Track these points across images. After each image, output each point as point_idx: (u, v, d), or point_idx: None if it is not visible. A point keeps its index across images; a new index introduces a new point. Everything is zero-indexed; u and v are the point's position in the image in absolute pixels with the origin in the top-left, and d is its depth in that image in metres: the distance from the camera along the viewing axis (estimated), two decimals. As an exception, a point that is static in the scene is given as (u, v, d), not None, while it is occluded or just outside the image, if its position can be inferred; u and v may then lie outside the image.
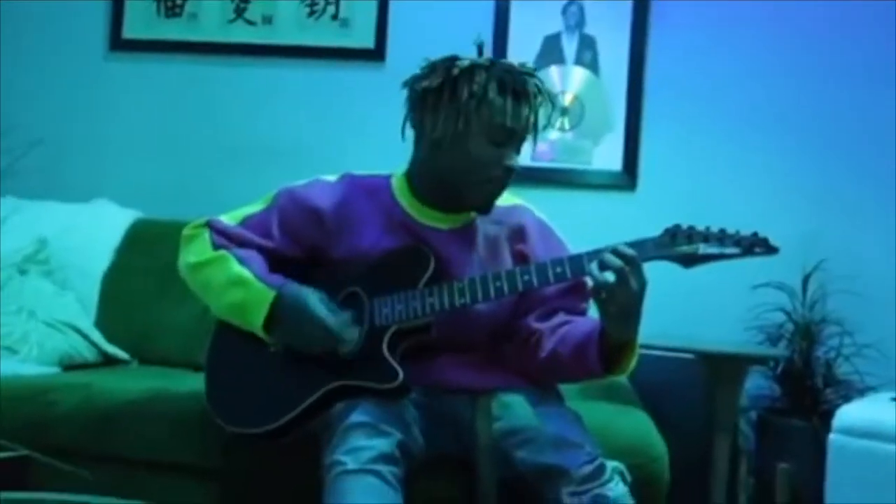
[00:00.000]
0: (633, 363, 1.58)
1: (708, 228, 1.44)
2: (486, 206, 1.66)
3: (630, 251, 1.40)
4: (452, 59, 1.61)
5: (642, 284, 1.42)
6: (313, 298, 1.57)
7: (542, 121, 1.64)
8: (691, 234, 1.43)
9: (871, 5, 2.85)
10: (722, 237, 1.42)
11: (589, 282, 1.48)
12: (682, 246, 1.43)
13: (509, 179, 1.63)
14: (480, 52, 1.65)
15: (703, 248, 1.42)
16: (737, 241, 1.42)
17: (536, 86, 1.60)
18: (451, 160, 1.61)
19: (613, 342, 1.52)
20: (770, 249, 1.42)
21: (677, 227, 1.44)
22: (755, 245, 1.41)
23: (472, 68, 1.58)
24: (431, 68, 1.63)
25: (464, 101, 1.56)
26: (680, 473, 1.76)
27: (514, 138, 1.60)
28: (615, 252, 1.41)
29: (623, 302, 1.41)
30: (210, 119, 3.11)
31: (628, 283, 1.39)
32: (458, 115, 1.57)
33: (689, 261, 1.44)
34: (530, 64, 1.66)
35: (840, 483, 1.93)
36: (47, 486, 1.39)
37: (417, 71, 1.66)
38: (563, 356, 1.60)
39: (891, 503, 1.84)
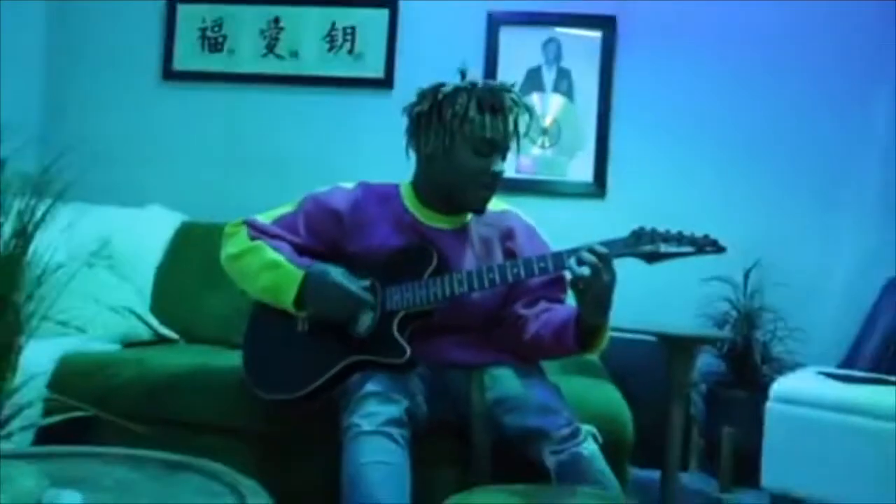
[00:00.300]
0: (604, 344, 1.58)
1: (667, 231, 1.43)
2: (480, 208, 1.65)
3: (603, 249, 1.40)
4: (439, 86, 1.61)
5: (612, 277, 1.42)
6: (336, 272, 1.56)
7: (521, 127, 1.61)
8: (653, 235, 1.42)
9: (802, 45, 2.84)
10: (679, 238, 1.42)
11: (568, 275, 1.47)
12: (645, 245, 1.42)
13: (497, 183, 1.62)
14: (464, 77, 1.62)
15: (663, 247, 1.42)
16: (691, 241, 1.41)
17: (512, 100, 1.59)
18: (445, 171, 1.61)
19: (588, 326, 1.51)
20: (719, 249, 1.41)
21: (642, 229, 1.44)
22: (706, 245, 1.41)
23: (455, 92, 1.57)
24: (422, 95, 1.63)
25: (448, 120, 1.56)
26: (642, 436, 1.75)
27: (496, 147, 1.59)
28: (590, 250, 1.40)
29: (597, 292, 1.41)
30: (245, 137, 3.09)
31: (601, 276, 1.38)
32: (445, 132, 1.57)
33: (652, 258, 1.43)
34: (509, 81, 1.65)
35: (775, 442, 1.92)
36: (109, 444, 1.37)
37: (413, 98, 1.65)
38: (545, 338, 1.59)
39: (815, 456, 1.83)
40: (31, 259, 0.93)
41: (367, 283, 1.58)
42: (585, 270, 1.38)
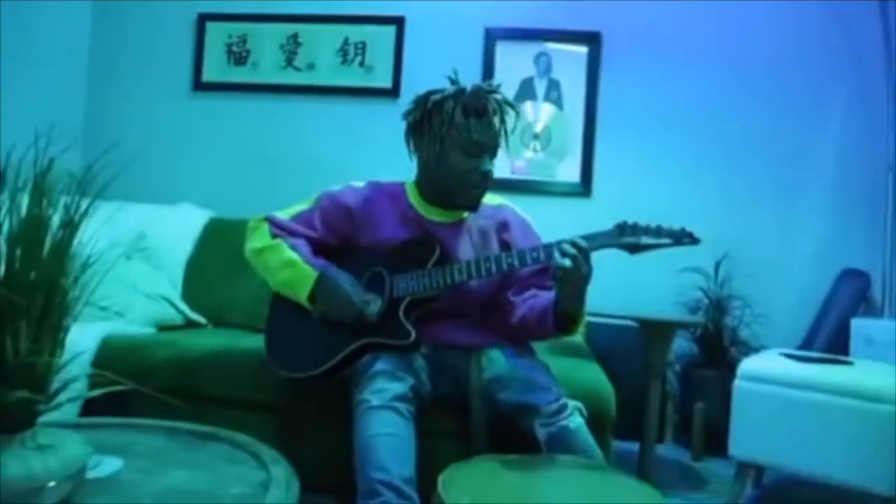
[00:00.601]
0: (580, 328, 1.58)
1: (647, 224, 1.42)
2: (473, 206, 1.63)
3: (583, 243, 1.39)
4: (429, 95, 1.58)
5: (589, 270, 1.41)
6: (344, 280, 1.56)
7: (508, 125, 1.59)
8: (635, 229, 1.42)
9: (765, 59, 2.84)
10: (658, 231, 1.41)
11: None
12: (628, 237, 1.41)
13: (487, 182, 1.60)
14: (453, 82, 1.59)
15: (644, 239, 1.41)
16: (669, 234, 1.41)
17: (496, 101, 1.56)
18: (439, 173, 1.59)
19: (565, 312, 1.50)
20: (694, 240, 1.41)
21: (625, 222, 1.43)
22: (683, 237, 1.40)
23: (442, 100, 1.55)
24: (415, 104, 1.61)
25: (437, 127, 1.55)
26: (622, 411, 1.75)
27: (484, 148, 1.56)
28: (572, 243, 1.39)
29: (574, 282, 1.41)
30: (267, 142, 3.10)
31: (580, 267, 1.38)
32: (435, 138, 1.55)
33: (634, 249, 1.43)
34: (494, 83, 1.61)
35: (741, 416, 1.92)
36: (145, 418, 1.37)
37: (408, 107, 1.64)
38: (529, 321, 1.59)
39: (776, 427, 1.83)
40: (76, 248, 0.92)
41: (372, 295, 1.56)
42: (567, 262, 1.37)
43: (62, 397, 0.92)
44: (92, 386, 1.83)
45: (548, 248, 1.47)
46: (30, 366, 0.85)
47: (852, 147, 2.81)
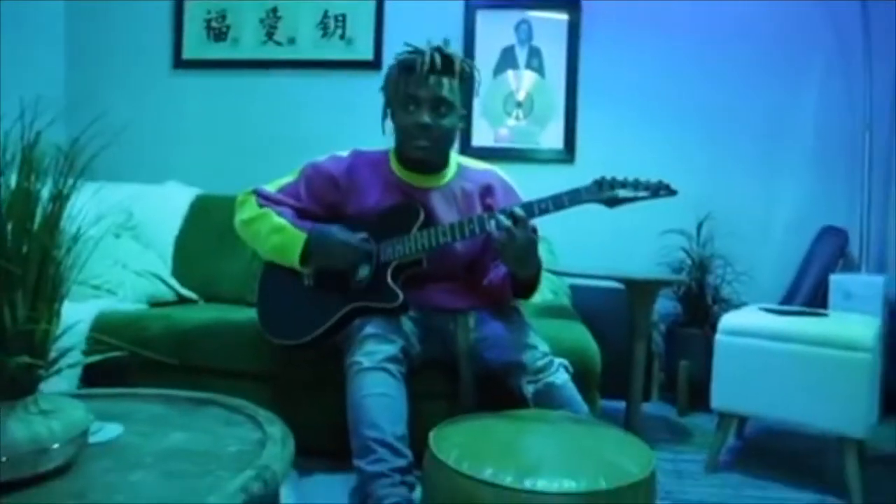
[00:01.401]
0: (537, 292, 1.63)
1: (625, 178, 1.45)
2: (418, 157, 1.61)
3: (519, 212, 1.42)
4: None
5: (528, 238, 1.43)
6: (335, 229, 1.60)
7: (449, 80, 1.57)
8: (613, 183, 1.44)
9: (746, 24, 2.85)
10: (636, 184, 1.44)
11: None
12: (606, 191, 1.44)
13: (427, 134, 1.58)
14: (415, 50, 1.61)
15: (622, 193, 1.43)
16: (646, 186, 1.44)
17: (430, 56, 1.55)
18: (395, 132, 1.65)
19: (519, 279, 1.55)
20: (670, 192, 1.43)
21: (603, 178, 1.46)
22: (660, 189, 1.43)
23: (390, 68, 1.64)
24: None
25: (388, 91, 1.63)
26: (609, 370, 1.80)
27: (419, 101, 1.56)
28: (509, 213, 1.42)
29: (513, 251, 1.43)
30: (250, 117, 3.09)
31: (514, 237, 1.40)
32: (387, 102, 1.65)
33: (612, 202, 1.45)
34: (439, 42, 1.61)
35: (723, 369, 1.97)
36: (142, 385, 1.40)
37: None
38: (494, 284, 1.65)
39: (756, 379, 1.89)
40: (66, 221, 0.94)
41: (364, 234, 1.61)
42: (501, 234, 1.41)
43: (62, 363, 0.95)
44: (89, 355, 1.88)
45: (528, 207, 1.47)
46: (28, 333, 0.88)
47: (831, 108, 2.83)
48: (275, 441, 1.05)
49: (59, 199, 0.92)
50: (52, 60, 3.11)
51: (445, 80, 1.57)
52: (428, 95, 1.57)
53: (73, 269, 0.94)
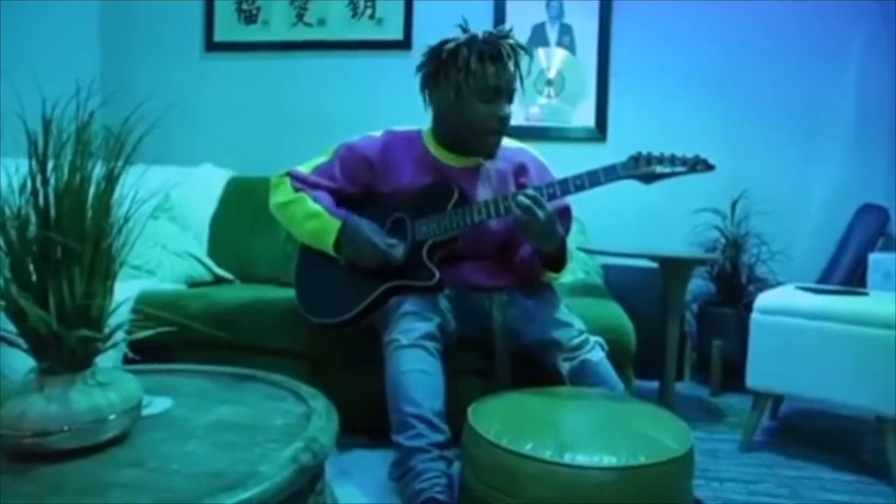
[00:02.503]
0: (567, 267, 1.65)
1: (661, 153, 1.44)
2: (489, 153, 1.65)
3: (533, 193, 1.45)
4: (442, 45, 1.59)
5: (547, 215, 1.44)
6: (366, 227, 1.60)
7: (523, 69, 1.60)
8: (650, 158, 1.44)
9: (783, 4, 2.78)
10: (672, 159, 1.43)
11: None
12: (643, 167, 1.43)
13: (505, 126, 1.61)
14: (465, 31, 1.59)
15: (658, 168, 1.42)
16: (683, 161, 1.42)
17: (509, 45, 1.56)
18: (457, 121, 1.60)
19: (544, 254, 1.56)
20: (708, 167, 1.42)
21: (639, 153, 1.45)
22: (697, 164, 1.41)
23: (457, 49, 1.55)
24: (429, 55, 1.62)
25: (454, 76, 1.55)
26: (641, 350, 1.80)
27: (500, 93, 1.57)
28: (525, 195, 1.44)
29: (535, 229, 1.45)
30: (281, 99, 3.10)
31: (536, 216, 1.42)
32: (452, 88, 1.56)
33: (649, 178, 1.44)
34: (506, 28, 1.61)
35: (758, 348, 1.95)
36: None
37: (421, 59, 1.64)
38: (526, 260, 1.65)
39: (791, 357, 1.87)
40: (116, 200, 0.97)
41: (393, 241, 1.60)
42: (521, 214, 1.43)
43: (118, 336, 0.99)
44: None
45: (563, 183, 1.49)
46: (85, 308, 0.91)
47: (872, 82, 2.75)
48: (319, 414, 1.08)
49: (111, 179, 0.95)
50: (88, 46, 3.16)
51: (512, 68, 1.57)
52: (508, 87, 1.57)
53: (125, 247, 0.97)
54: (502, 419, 1.23)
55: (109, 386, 0.95)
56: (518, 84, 1.60)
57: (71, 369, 0.92)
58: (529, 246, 1.62)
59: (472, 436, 1.20)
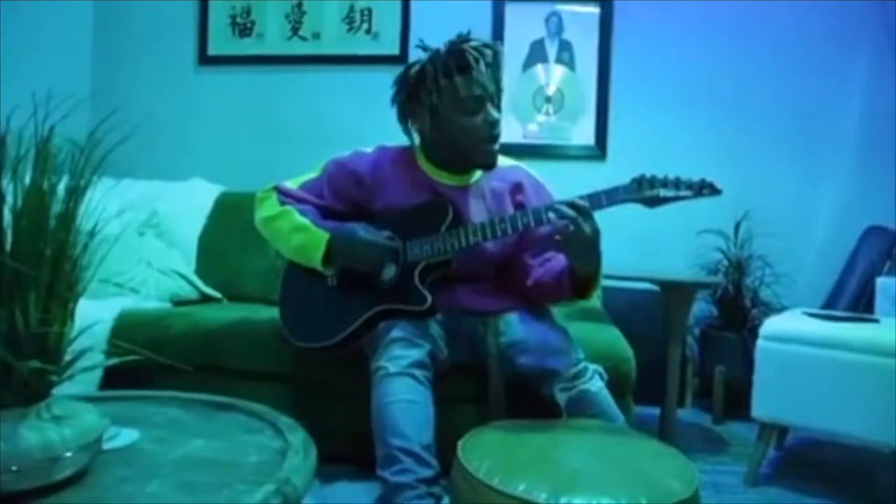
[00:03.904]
0: (596, 291, 1.54)
1: (666, 176, 1.38)
2: (490, 162, 1.58)
3: (583, 203, 1.35)
4: (407, 70, 1.54)
5: (594, 229, 1.36)
6: (359, 228, 1.54)
7: (501, 63, 1.52)
8: (653, 181, 1.37)
9: (789, 10, 2.74)
10: (677, 182, 1.37)
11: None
12: (646, 190, 1.37)
13: (497, 132, 1.54)
14: (424, 49, 1.54)
15: (663, 192, 1.36)
16: (689, 185, 1.36)
17: (474, 49, 1.49)
18: (446, 140, 1.55)
19: (580, 274, 1.47)
20: (715, 191, 1.36)
21: (642, 176, 1.39)
22: (703, 188, 1.36)
23: (422, 70, 1.50)
24: (398, 85, 1.58)
25: (426, 98, 1.50)
26: (643, 374, 1.73)
27: (480, 100, 1.50)
28: (570, 204, 1.35)
29: (579, 244, 1.36)
30: (274, 114, 3.05)
31: (581, 228, 1.33)
32: (429, 109, 1.51)
33: (653, 202, 1.38)
34: (464, 32, 1.54)
35: (765, 376, 1.89)
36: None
37: (392, 90, 1.60)
38: (545, 284, 1.56)
39: (799, 387, 1.80)
40: (82, 218, 0.90)
41: (388, 233, 1.55)
42: (566, 224, 1.33)
43: (76, 368, 0.92)
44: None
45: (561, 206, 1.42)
46: (41, 336, 0.85)
47: (878, 98, 2.70)
48: (296, 451, 1.01)
49: (75, 194, 0.88)
50: (79, 57, 3.12)
51: (485, 70, 1.50)
52: (486, 92, 1.50)
53: (90, 267, 0.90)
54: (495, 455, 1.15)
55: (66, 420, 0.87)
56: (497, 85, 1.52)
57: (23, 403, 0.84)
58: (554, 266, 1.54)
59: (462, 473, 1.12)
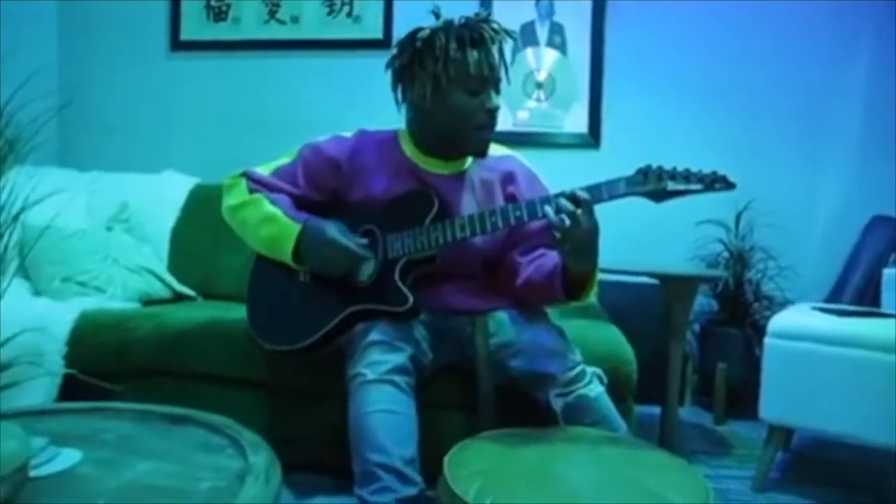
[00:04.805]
0: (591, 293, 1.40)
1: (674, 168, 1.25)
2: (482, 150, 1.46)
3: (583, 195, 1.22)
4: (414, 33, 1.41)
5: (594, 224, 1.24)
6: (332, 228, 1.40)
7: (507, 57, 1.43)
8: (661, 173, 1.24)
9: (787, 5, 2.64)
10: (687, 175, 1.24)
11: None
12: (653, 183, 1.24)
13: (495, 119, 1.44)
14: (437, 17, 1.42)
15: (671, 185, 1.23)
16: (700, 178, 1.23)
17: (492, 29, 1.39)
18: (440, 118, 1.42)
19: (574, 274, 1.33)
20: (729, 185, 1.23)
21: (648, 167, 1.25)
22: (715, 181, 1.23)
23: (432, 35, 1.38)
24: (401, 46, 1.44)
25: (430, 66, 1.37)
26: (642, 371, 1.61)
27: (487, 83, 1.40)
28: (570, 196, 1.22)
29: (577, 240, 1.23)
30: (252, 102, 2.91)
31: (580, 223, 1.21)
32: (432, 79, 1.38)
33: (659, 196, 1.25)
34: (483, 12, 1.44)
35: (773, 376, 1.78)
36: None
37: (392, 51, 1.47)
38: (536, 284, 1.43)
39: (810, 387, 1.70)
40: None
41: (364, 240, 1.42)
42: (564, 219, 1.20)
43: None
44: (70, 365, 1.73)
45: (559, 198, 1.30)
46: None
47: (882, 85, 2.61)
48: (257, 475, 0.88)
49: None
50: (45, 42, 2.97)
51: (497, 54, 1.40)
52: (494, 75, 1.40)
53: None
54: (485, 473, 1.03)
55: (-21, 447, 0.74)
56: (504, 74, 1.42)
57: (-79, 428, 0.71)
58: (545, 265, 1.41)
59: (449, 495, 1.00)
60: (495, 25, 1.40)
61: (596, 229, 1.25)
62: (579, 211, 1.20)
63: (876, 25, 2.62)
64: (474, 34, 1.37)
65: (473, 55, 1.36)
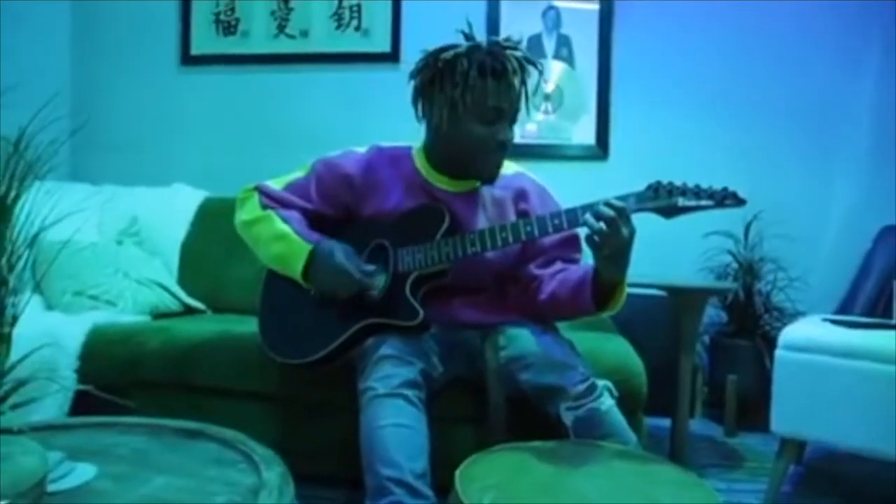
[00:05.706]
0: (622, 302, 1.41)
1: (685, 184, 1.26)
2: (489, 177, 1.47)
3: (621, 204, 1.23)
4: (439, 52, 1.40)
5: (631, 232, 1.25)
6: (340, 253, 1.41)
7: (530, 87, 1.41)
8: (671, 189, 1.25)
9: (797, 4, 2.64)
10: (698, 191, 1.25)
11: (583, 231, 1.30)
12: (663, 199, 1.25)
13: (505, 151, 1.44)
14: (467, 37, 1.41)
15: (682, 201, 1.25)
16: (710, 194, 1.25)
17: (516, 59, 1.38)
18: (452, 141, 1.42)
19: (604, 283, 1.35)
20: (739, 201, 1.25)
21: (658, 182, 1.26)
22: (726, 198, 1.24)
23: (455, 58, 1.37)
24: (424, 62, 1.43)
25: (449, 90, 1.37)
26: (651, 383, 1.62)
27: (502, 114, 1.39)
28: (608, 204, 1.24)
29: (614, 247, 1.25)
30: (261, 115, 2.94)
31: (619, 230, 1.22)
32: (448, 103, 1.38)
33: (670, 212, 1.26)
34: (514, 37, 1.43)
35: (784, 388, 1.77)
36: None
37: (416, 63, 1.46)
38: (562, 297, 1.43)
39: (823, 400, 1.69)
40: (20, 229, 0.78)
41: (371, 267, 1.43)
42: (602, 225, 1.21)
43: (12, 399, 0.80)
44: (82, 379, 1.74)
45: (571, 213, 1.32)
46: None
47: (891, 94, 2.61)
48: (270, 490, 0.89)
49: (2, 207, 0.76)
50: (58, 57, 3.02)
51: (518, 85, 1.39)
52: (510, 108, 1.40)
53: (22, 288, 0.78)
54: (496, 487, 1.03)
55: (1, 462, 0.76)
56: (523, 104, 1.42)
57: (-57, 445, 0.73)
58: (569, 278, 1.42)
59: (460, 509, 1.00)
60: (520, 55, 1.39)
61: (632, 236, 1.26)
62: (619, 218, 1.22)
63: (884, 34, 2.62)
64: (496, 64, 1.36)
65: (492, 85, 1.36)
